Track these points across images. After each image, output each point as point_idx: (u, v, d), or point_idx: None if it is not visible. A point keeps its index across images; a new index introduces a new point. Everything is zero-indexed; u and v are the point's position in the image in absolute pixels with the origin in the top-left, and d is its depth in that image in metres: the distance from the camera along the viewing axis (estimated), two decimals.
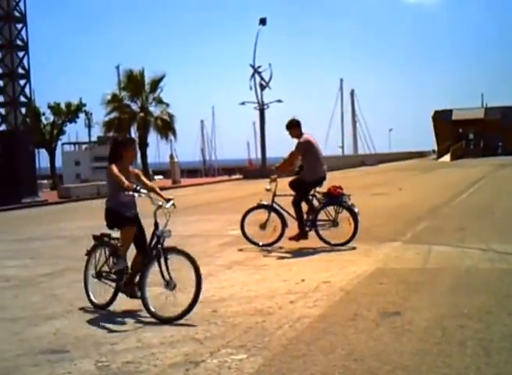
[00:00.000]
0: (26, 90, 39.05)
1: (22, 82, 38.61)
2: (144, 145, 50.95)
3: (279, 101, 62.74)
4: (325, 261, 11.75)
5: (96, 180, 51.00)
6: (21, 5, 38.28)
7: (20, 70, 38.40)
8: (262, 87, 61.40)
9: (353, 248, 12.91)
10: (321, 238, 13.36)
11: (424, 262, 11.27)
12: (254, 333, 7.26)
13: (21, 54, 38.43)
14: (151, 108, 50.32)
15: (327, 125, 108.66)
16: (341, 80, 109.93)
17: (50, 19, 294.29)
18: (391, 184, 34.32)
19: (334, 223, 13.48)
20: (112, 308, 8.78)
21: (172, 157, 60.24)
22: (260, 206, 14.02)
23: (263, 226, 13.73)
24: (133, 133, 51.98)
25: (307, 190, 13.49)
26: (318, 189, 13.62)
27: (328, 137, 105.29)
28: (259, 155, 73.10)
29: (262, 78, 61.30)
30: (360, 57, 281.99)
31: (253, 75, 61.21)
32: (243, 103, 62.67)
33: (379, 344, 6.71)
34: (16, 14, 38.16)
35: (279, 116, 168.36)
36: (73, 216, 26.31)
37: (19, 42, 38.27)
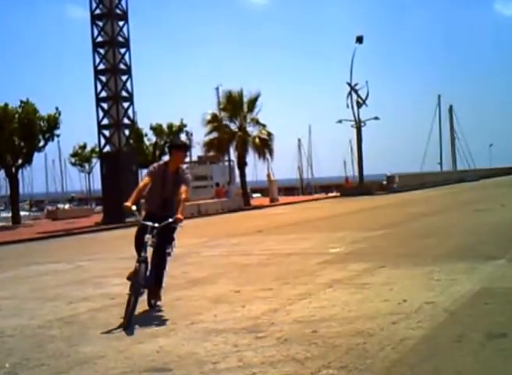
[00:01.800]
0: (130, 112, 40.10)
1: (125, 105, 39.61)
2: (242, 164, 51.23)
3: (376, 118, 62.36)
4: (428, 279, 11.40)
5: (196, 199, 51.68)
6: (124, 30, 39.33)
7: (124, 93, 39.38)
8: (359, 105, 61.09)
9: (456, 267, 12.50)
10: None
11: None
12: (355, 355, 7.05)
13: (124, 77, 39.42)
14: (249, 128, 50.62)
15: (425, 141, 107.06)
16: (439, 97, 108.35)
17: (151, 42, 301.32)
18: (492, 200, 33.39)
19: None
20: (212, 325, 8.73)
21: (269, 175, 60.49)
22: None
23: None
24: (232, 152, 52.51)
25: None
26: None
27: (427, 154, 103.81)
28: (356, 173, 72.61)
29: (359, 96, 61.01)
30: (459, 72, 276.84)
31: (350, 93, 61.05)
32: (340, 121, 62.57)
33: (486, 367, 6.40)
34: (120, 39, 39.20)
35: (376, 134, 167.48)
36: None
37: (122, 66, 39.27)
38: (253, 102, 50.49)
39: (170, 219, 9.71)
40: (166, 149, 64.40)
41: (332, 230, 22.71)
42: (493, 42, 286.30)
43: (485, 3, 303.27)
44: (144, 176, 10.79)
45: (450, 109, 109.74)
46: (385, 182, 60.53)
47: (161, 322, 9.39)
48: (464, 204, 32.06)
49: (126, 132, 40.14)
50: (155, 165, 10.49)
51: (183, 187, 9.91)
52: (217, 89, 54.47)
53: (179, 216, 9.69)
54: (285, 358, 7.13)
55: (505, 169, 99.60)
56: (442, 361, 6.66)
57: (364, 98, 61.10)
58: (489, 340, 7.28)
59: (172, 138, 53.27)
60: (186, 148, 11.19)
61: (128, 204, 9.69)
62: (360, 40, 60.35)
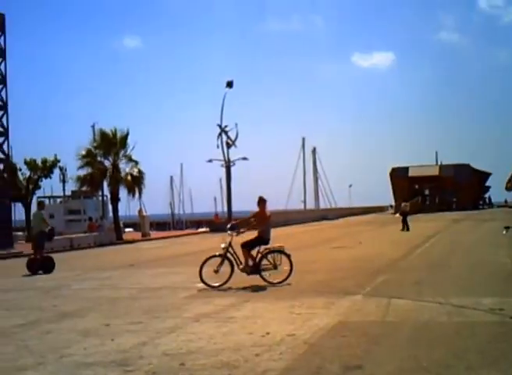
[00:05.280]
0: (5, 147, 38.93)
1: (0, 139, 38.45)
2: (115, 200, 50.56)
3: (245, 158, 62.98)
4: (289, 313, 11.55)
5: (69, 232, 50.43)
6: (1, 67, 38.38)
7: None
8: (229, 146, 61.62)
9: (315, 302, 12.74)
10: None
11: (384, 315, 11.14)
12: None
13: (0, 113, 38.34)
14: (122, 165, 50.15)
15: (290, 180, 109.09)
16: (303, 139, 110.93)
17: (28, 80, 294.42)
18: (351, 238, 34.36)
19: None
20: (81, 359, 8.49)
21: (140, 211, 59.84)
22: None
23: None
24: (106, 187, 51.71)
25: None
26: None
27: (291, 192, 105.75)
28: (225, 209, 72.99)
29: (229, 137, 61.55)
30: (321, 116, 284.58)
31: (220, 134, 61.47)
32: (210, 160, 62.84)
33: None
34: None
35: (244, 173, 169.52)
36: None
37: None
38: (124, 140, 50.16)
39: None
40: (40, 183, 63.24)
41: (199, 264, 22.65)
42: (352, 91, 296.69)
43: (344, 57, 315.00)
44: None
45: (314, 151, 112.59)
46: None
47: (30, 355, 9.04)
48: (324, 241, 32.78)
49: (1, 166, 38.93)
50: None
51: None
52: (92, 127, 53.77)
53: None
54: None
55: (363, 208, 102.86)
56: None
57: (233, 139, 61.76)
58: (346, 371, 7.43)
59: None
60: None
61: None
62: (230, 84, 61.03)
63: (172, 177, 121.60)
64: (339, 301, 12.75)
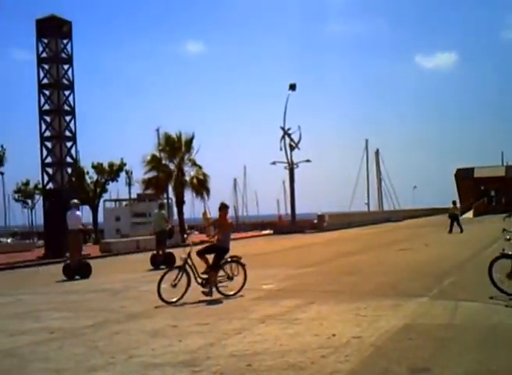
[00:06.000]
0: (72, 151, 39.80)
1: (68, 144, 39.31)
2: (180, 203, 51.04)
3: (308, 160, 63.04)
4: (355, 315, 11.50)
5: (135, 235, 51.13)
6: (69, 73, 39.22)
7: (67, 133, 39.10)
8: (292, 148, 61.73)
9: (381, 304, 12.65)
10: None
11: (452, 318, 11.00)
12: None
13: (68, 118, 39.19)
14: (187, 168, 50.55)
15: (353, 183, 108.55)
16: (366, 141, 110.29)
17: (94, 85, 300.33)
18: (416, 240, 33.92)
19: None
20: (149, 359, 8.63)
21: (205, 213, 60.07)
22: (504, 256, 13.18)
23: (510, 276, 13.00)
24: (170, 191, 52.21)
25: None
26: None
27: (355, 195, 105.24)
28: (288, 211, 72.99)
29: (292, 139, 61.67)
30: (384, 117, 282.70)
31: (283, 137, 61.64)
32: (273, 163, 63.02)
33: None
34: (65, 82, 39.05)
35: (308, 175, 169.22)
36: (114, 269, 26.32)
37: (66, 107, 39.07)
38: (188, 144, 50.54)
39: None
40: (107, 187, 64.46)
41: (265, 266, 22.72)
42: (415, 92, 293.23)
43: (407, 57, 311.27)
44: None
45: (377, 153, 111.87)
46: (316, 221, 60.95)
47: (100, 355, 9.23)
48: (389, 243, 32.48)
49: (69, 170, 39.76)
50: None
51: None
52: (157, 130, 54.36)
53: None
54: None
55: (428, 209, 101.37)
56: None
57: (296, 141, 61.81)
58: (413, 374, 7.37)
59: None
60: None
61: None
62: (293, 87, 61.16)
63: (235, 180, 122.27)
64: (406, 304, 12.64)
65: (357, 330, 10.04)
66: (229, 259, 15.34)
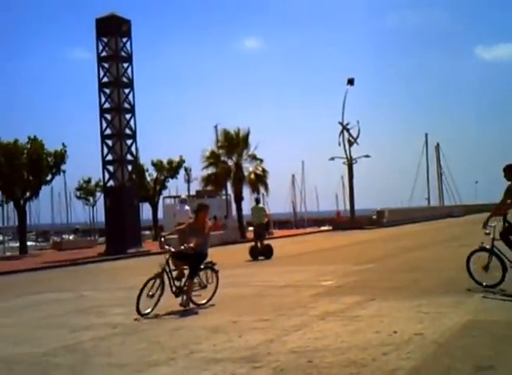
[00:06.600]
0: (133, 148, 40.33)
1: (128, 141, 39.89)
2: (239, 199, 51.22)
3: (367, 156, 62.60)
4: (416, 312, 11.34)
5: None
6: (129, 71, 39.76)
7: (127, 131, 39.65)
8: (350, 143, 61.39)
9: (443, 301, 12.45)
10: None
11: None
12: None
13: (128, 116, 39.73)
14: (246, 164, 50.68)
15: (413, 178, 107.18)
16: (426, 135, 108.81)
17: (155, 83, 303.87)
18: (479, 235, 33.21)
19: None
20: (210, 355, 8.66)
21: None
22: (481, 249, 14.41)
23: (486, 268, 13.78)
24: (229, 187, 52.40)
25: None
26: None
27: (415, 189, 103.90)
28: (347, 207, 72.60)
29: (350, 135, 61.36)
30: (444, 111, 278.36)
31: (341, 132, 61.35)
32: (332, 158, 62.80)
33: None
34: (124, 80, 39.59)
35: (366, 170, 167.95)
36: None
37: (126, 105, 39.60)
38: (245, 139, 50.70)
39: None
40: (166, 184, 64.93)
41: (324, 263, 22.64)
42: (476, 84, 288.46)
43: (467, 50, 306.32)
44: None
45: (437, 147, 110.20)
46: (375, 217, 60.51)
47: (161, 351, 9.30)
48: (450, 239, 32.01)
49: (129, 167, 40.27)
50: None
51: None
52: (215, 127, 54.62)
53: None
54: None
55: (490, 204, 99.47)
56: None
57: (355, 136, 61.47)
58: (477, 372, 7.23)
59: None
60: None
61: None
62: (351, 82, 60.88)
63: (293, 176, 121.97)
64: (468, 300, 12.41)
65: (418, 327, 9.90)
66: (204, 266, 13.91)
